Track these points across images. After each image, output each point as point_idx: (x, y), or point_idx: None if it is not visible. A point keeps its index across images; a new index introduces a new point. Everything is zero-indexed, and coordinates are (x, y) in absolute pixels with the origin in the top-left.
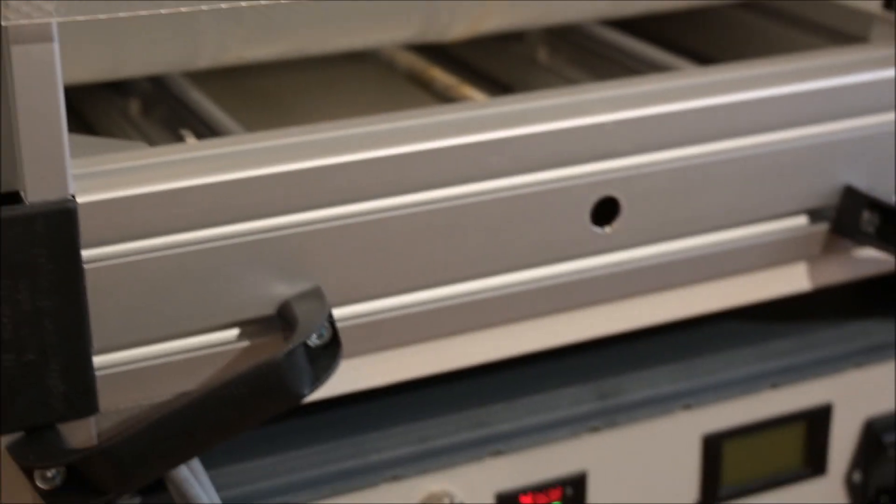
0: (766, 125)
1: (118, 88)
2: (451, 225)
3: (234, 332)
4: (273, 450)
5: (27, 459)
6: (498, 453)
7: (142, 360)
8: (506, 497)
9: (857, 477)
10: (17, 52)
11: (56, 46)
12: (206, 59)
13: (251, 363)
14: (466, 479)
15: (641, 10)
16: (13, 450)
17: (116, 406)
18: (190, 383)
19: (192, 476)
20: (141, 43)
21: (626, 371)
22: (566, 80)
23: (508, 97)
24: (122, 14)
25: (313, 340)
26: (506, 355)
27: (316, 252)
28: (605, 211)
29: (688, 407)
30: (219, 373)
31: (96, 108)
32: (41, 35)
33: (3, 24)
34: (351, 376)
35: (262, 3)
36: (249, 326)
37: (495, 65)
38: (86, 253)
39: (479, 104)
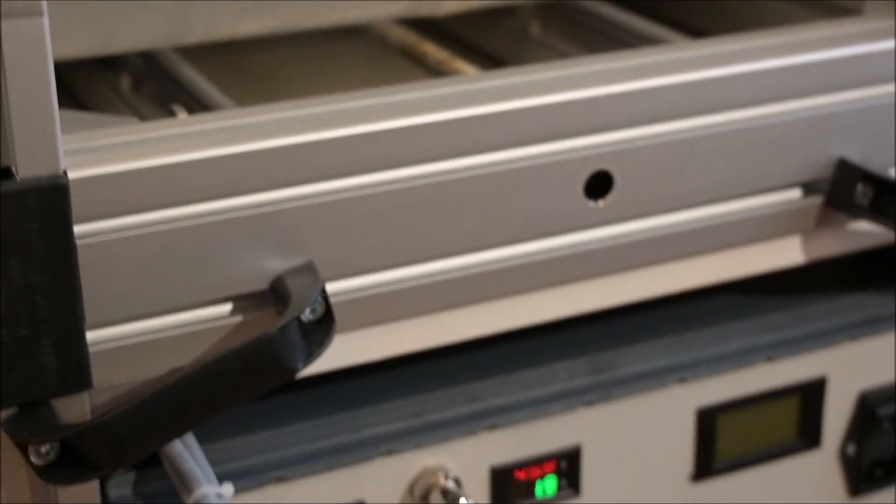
0: (758, 98)
1: (109, 64)
2: (444, 199)
3: (228, 307)
4: (267, 425)
5: (21, 435)
6: (492, 427)
7: (135, 335)
8: (500, 471)
9: (851, 450)
10: (6, 27)
11: (46, 21)
12: (197, 34)
13: (244, 338)
14: (461, 453)
15: None
16: (7, 426)
17: (110, 382)
18: (183, 359)
19: (187, 451)
20: (131, 18)
21: (620, 345)
22: (558, 55)
23: (501, 71)
24: None
25: (307, 315)
26: (500, 329)
27: (309, 227)
28: (599, 185)
29: (682, 380)
30: (212, 348)
31: (87, 84)
32: (31, 10)
33: None
34: (344, 351)
35: None
36: (242, 301)
37: (488, 39)
38: (78, 228)
39: (472, 78)
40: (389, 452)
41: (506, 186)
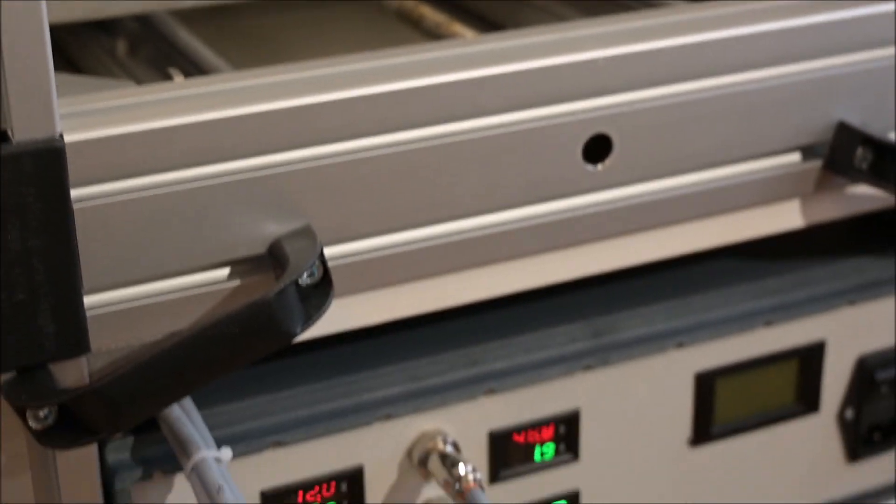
0: (758, 61)
1: (105, 28)
2: (442, 163)
3: (225, 271)
4: (265, 389)
5: (19, 399)
6: (491, 391)
7: (132, 299)
8: (499, 435)
9: (849, 414)
10: None
11: None
12: None
13: (242, 302)
14: (459, 417)
15: None
16: (6, 390)
17: (108, 346)
18: (181, 323)
19: (184, 415)
20: None
21: (619, 309)
22: (557, 18)
23: (499, 34)
24: None
25: (304, 279)
26: (498, 293)
27: (306, 190)
28: (598, 148)
29: (681, 345)
30: (210, 312)
31: (83, 48)
32: None
33: None
34: (342, 315)
35: None
36: (240, 265)
37: (485, 2)
38: (74, 192)
39: (470, 41)
40: (388, 417)
41: (504, 150)
